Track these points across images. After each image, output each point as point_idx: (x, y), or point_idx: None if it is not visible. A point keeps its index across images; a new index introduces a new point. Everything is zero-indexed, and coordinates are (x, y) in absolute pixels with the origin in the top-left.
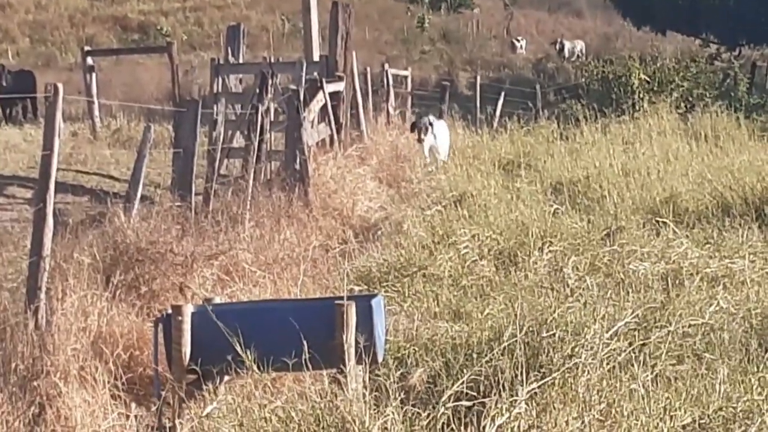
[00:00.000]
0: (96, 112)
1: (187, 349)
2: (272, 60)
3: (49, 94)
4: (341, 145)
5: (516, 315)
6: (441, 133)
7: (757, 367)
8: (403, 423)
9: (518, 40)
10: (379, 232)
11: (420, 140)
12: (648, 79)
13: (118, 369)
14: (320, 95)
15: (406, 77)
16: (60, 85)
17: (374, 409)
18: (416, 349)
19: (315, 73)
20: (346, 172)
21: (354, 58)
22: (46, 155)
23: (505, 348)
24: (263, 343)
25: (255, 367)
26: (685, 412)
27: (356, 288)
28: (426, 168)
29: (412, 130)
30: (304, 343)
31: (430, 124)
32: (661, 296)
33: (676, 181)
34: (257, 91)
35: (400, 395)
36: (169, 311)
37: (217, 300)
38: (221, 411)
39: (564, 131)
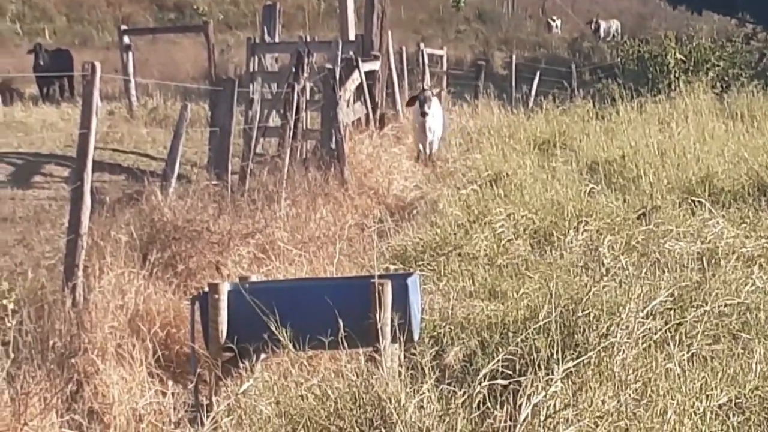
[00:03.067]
0: (133, 91)
1: (223, 327)
2: (308, 39)
3: (87, 73)
4: (377, 124)
5: (551, 294)
6: (437, 113)
7: None
8: (439, 401)
9: (553, 20)
10: (415, 212)
11: (424, 114)
12: (684, 59)
13: (155, 347)
14: (356, 74)
15: (441, 57)
16: (97, 64)
17: (410, 388)
18: (452, 327)
19: (351, 53)
20: (382, 151)
21: (390, 38)
22: (84, 134)
23: (540, 327)
24: (299, 321)
25: (291, 346)
26: (721, 391)
27: (392, 267)
28: (421, 151)
29: (410, 103)
30: (340, 321)
31: (432, 97)
32: (696, 276)
33: (712, 161)
34: (293, 70)
35: (435, 374)
36: (206, 289)
37: (254, 278)
38: (258, 389)
39: (600, 111)
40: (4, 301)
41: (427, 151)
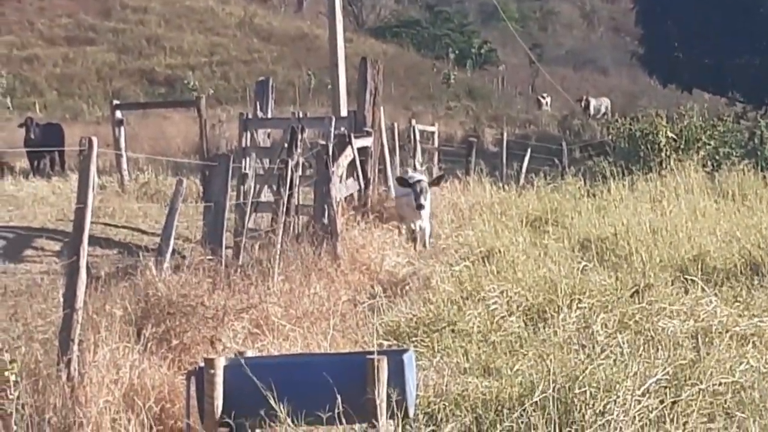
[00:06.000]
0: (124, 166)
1: (219, 402)
2: (300, 115)
3: (83, 147)
4: (369, 200)
5: (547, 371)
6: (428, 206)
7: None
8: None
9: (544, 97)
10: (407, 288)
11: (420, 206)
12: (675, 138)
13: (150, 421)
14: (348, 150)
15: (432, 133)
16: (94, 139)
17: None
18: (446, 404)
19: (343, 129)
20: (374, 227)
21: (382, 114)
22: (80, 208)
23: (536, 404)
24: (295, 396)
25: (288, 421)
26: None
27: (385, 343)
28: (413, 246)
29: (401, 183)
30: (337, 397)
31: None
32: (691, 354)
33: (704, 239)
34: (286, 145)
35: None
36: (202, 364)
37: (249, 353)
38: None
39: (591, 188)
40: (7, 373)
41: (424, 239)
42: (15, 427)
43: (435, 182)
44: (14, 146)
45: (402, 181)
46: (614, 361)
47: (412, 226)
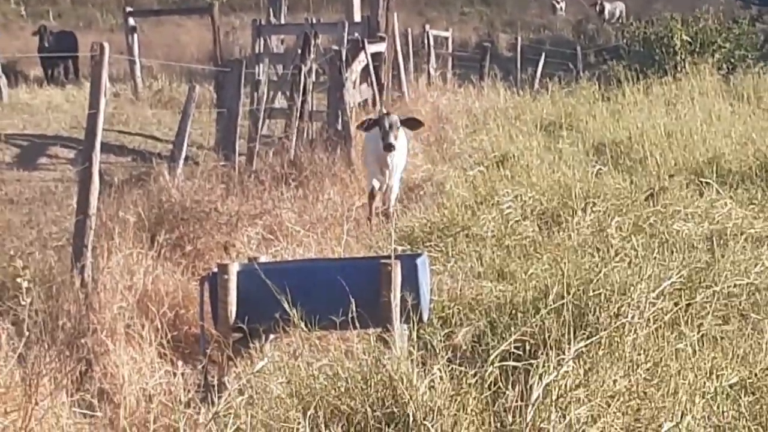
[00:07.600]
0: (138, 73)
1: (232, 308)
2: (314, 21)
3: (95, 53)
4: (383, 105)
5: (561, 275)
6: (402, 146)
7: None
8: (450, 381)
9: (558, 2)
10: (422, 193)
11: (389, 146)
12: (690, 41)
13: (164, 327)
14: (362, 56)
15: (446, 38)
16: (106, 45)
17: (421, 368)
18: (461, 308)
19: (356, 34)
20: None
21: (395, 19)
22: (92, 114)
23: (551, 307)
24: (309, 301)
25: (302, 325)
26: (731, 371)
27: (399, 248)
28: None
29: (365, 128)
30: (351, 301)
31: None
32: (705, 256)
33: (719, 142)
34: (300, 51)
35: (446, 354)
36: (215, 270)
37: (262, 259)
38: (268, 369)
39: (605, 92)
40: (19, 279)
41: (388, 201)
42: (28, 333)
43: (408, 123)
44: (28, 54)
45: (365, 124)
46: (629, 264)
47: (374, 181)
